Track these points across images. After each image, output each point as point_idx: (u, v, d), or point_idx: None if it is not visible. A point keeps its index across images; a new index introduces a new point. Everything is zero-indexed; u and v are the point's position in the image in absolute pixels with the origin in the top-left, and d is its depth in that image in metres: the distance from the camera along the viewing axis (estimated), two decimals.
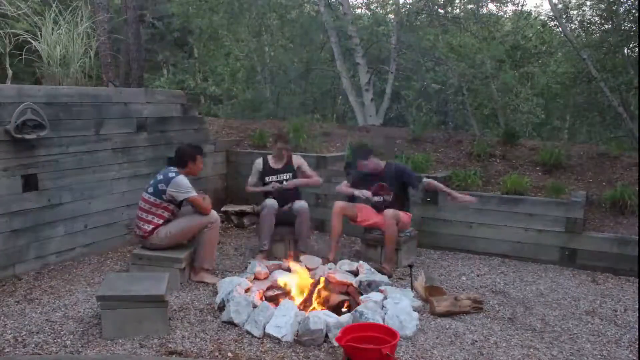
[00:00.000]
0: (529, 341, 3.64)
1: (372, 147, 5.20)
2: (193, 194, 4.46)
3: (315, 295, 4.08)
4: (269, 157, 5.48)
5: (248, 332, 3.60)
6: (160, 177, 4.50)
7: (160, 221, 4.46)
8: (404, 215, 5.04)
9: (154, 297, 3.52)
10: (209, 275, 4.61)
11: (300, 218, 5.13)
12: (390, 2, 13.68)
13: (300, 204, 5.16)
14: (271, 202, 5.09)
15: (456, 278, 4.88)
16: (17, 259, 4.60)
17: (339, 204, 5.09)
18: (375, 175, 5.08)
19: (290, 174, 5.38)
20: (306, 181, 5.38)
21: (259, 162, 5.45)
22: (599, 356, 3.48)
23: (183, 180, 4.44)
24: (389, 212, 4.85)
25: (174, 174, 4.45)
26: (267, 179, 5.35)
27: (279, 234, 5.30)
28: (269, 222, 5.07)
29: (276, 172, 5.37)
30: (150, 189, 4.48)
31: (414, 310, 3.90)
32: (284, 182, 5.29)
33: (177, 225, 4.51)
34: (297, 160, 5.48)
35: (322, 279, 4.26)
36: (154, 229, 4.45)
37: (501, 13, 13.88)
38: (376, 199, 5.10)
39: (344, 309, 3.96)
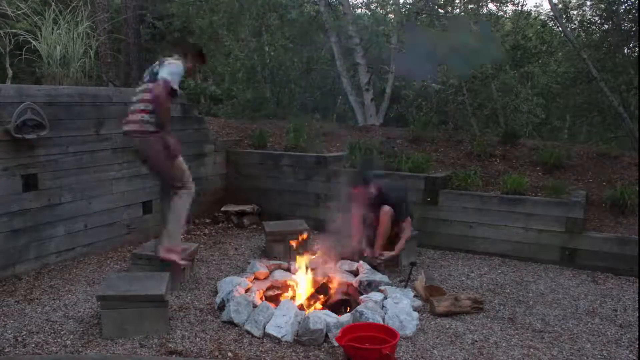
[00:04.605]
0: (529, 341, 3.64)
1: (363, 176, 4.95)
2: (168, 84, 3.88)
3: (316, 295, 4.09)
4: None
5: (248, 332, 3.60)
6: (157, 62, 4.11)
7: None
8: (402, 223, 4.94)
9: (154, 297, 3.52)
10: (174, 254, 4.19)
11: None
12: (390, 2, 13.68)
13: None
14: None
15: (456, 278, 4.88)
16: (17, 259, 4.60)
17: (358, 212, 4.92)
18: (370, 204, 4.88)
19: None
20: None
21: None
22: (599, 356, 3.48)
23: (177, 67, 3.97)
24: (385, 208, 4.78)
25: (170, 60, 4.04)
26: None
27: (279, 234, 5.30)
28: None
29: None
30: (147, 77, 4.10)
31: (414, 310, 3.90)
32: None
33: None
34: None
35: (327, 280, 4.28)
36: (154, 129, 4.01)
37: (501, 13, 13.87)
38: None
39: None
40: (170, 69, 3.96)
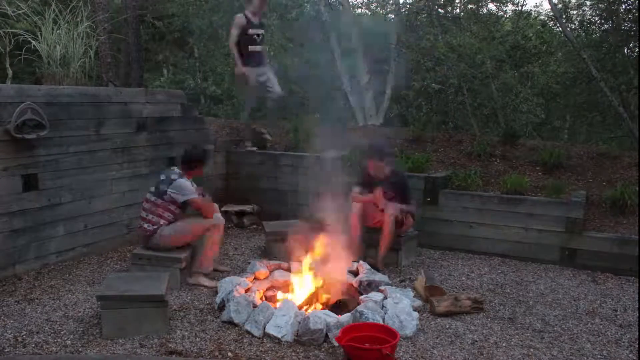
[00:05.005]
0: (529, 341, 3.64)
1: (386, 150, 5.20)
2: (194, 196, 4.45)
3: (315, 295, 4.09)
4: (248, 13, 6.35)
5: (248, 332, 3.60)
6: (162, 177, 4.50)
7: (162, 221, 4.45)
8: (407, 219, 5.05)
9: (154, 297, 3.52)
10: (206, 279, 4.55)
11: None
12: (390, 2, 13.68)
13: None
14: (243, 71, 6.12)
15: (456, 278, 4.88)
16: (17, 259, 4.60)
17: (357, 206, 5.05)
18: (380, 180, 5.07)
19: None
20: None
21: (239, 17, 6.38)
22: (599, 356, 3.48)
23: (185, 182, 4.44)
24: (390, 210, 4.84)
25: (176, 176, 4.44)
26: (250, 31, 6.30)
27: (279, 234, 5.30)
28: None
29: (256, 26, 6.39)
30: (152, 189, 4.50)
31: (414, 310, 3.90)
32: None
33: (179, 226, 4.48)
34: None
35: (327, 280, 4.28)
36: (155, 229, 4.44)
37: (501, 13, 13.87)
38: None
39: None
40: (181, 187, 4.42)
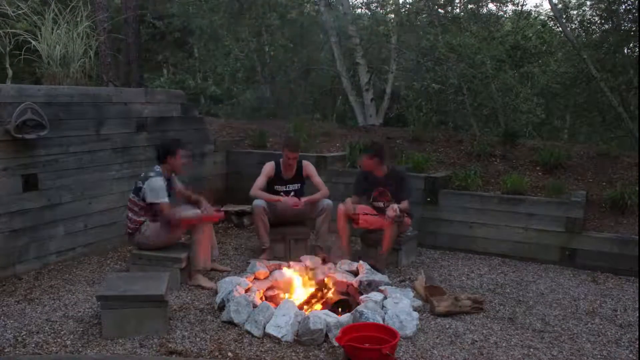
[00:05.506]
0: (529, 341, 3.64)
1: (381, 150, 5.09)
2: (161, 200, 4.32)
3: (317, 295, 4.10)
4: (281, 161, 5.29)
5: (248, 332, 3.60)
6: (142, 174, 4.49)
7: (142, 219, 4.43)
8: (406, 219, 5.05)
9: (154, 297, 3.52)
10: (204, 278, 4.53)
11: (323, 214, 5.08)
12: (390, 2, 13.68)
13: (327, 201, 5.11)
14: (258, 202, 5.06)
15: (456, 278, 4.88)
16: (17, 259, 4.60)
17: (342, 208, 5.07)
18: (379, 179, 5.07)
19: (299, 185, 5.28)
20: (314, 198, 5.16)
21: (271, 166, 5.26)
22: (599, 356, 3.48)
23: (156, 183, 4.33)
24: (391, 212, 4.83)
25: (152, 174, 4.38)
26: (276, 187, 5.23)
27: (279, 233, 5.30)
28: (263, 221, 5.07)
29: (286, 182, 5.25)
30: (133, 187, 4.49)
31: (414, 310, 3.90)
32: (292, 194, 5.19)
33: (158, 226, 4.44)
34: (308, 169, 5.30)
35: (327, 280, 4.28)
36: (137, 227, 4.43)
37: (501, 13, 13.87)
38: (379, 204, 5.08)
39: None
40: (150, 187, 4.34)
